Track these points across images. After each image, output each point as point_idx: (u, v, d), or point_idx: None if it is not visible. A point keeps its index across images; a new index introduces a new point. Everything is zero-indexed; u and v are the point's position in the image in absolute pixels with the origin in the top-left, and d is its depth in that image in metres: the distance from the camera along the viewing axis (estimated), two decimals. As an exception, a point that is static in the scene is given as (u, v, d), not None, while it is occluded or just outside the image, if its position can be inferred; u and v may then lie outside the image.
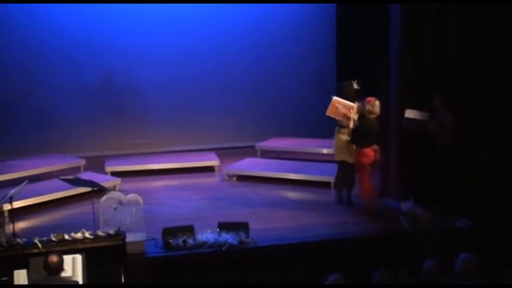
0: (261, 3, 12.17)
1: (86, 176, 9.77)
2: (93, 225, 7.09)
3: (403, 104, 8.66)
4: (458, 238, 7.54)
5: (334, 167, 9.42)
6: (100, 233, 6.82)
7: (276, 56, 12.62)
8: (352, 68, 11.01)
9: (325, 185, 9.86)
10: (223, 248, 7.34)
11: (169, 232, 7.45)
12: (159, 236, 7.49)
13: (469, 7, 8.50)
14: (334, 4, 12.32)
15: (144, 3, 11.80)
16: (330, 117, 8.92)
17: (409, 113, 8.53)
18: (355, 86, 8.87)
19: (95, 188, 7.94)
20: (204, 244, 7.40)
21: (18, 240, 6.63)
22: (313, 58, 12.75)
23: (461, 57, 8.60)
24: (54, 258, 5.74)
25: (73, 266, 6.26)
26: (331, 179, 9.77)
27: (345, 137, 8.80)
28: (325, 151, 11.11)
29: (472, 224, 7.87)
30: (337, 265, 6.48)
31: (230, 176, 10.65)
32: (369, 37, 10.60)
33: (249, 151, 11.83)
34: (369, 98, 8.52)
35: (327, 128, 9.22)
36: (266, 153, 11.78)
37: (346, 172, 8.99)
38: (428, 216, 7.98)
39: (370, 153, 8.64)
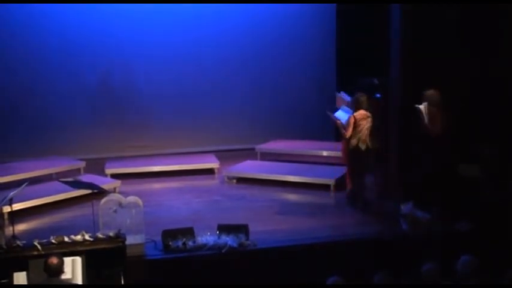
0: (260, 4, 12.16)
1: (86, 178, 9.76)
2: (93, 228, 7.06)
3: (403, 104, 8.66)
4: (458, 240, 7.53)
5: (334, 169, 9.41)
6: (100, 235, 6.80)
7: (276, 57, 12.60)
8: (352, 68, 11.00)
9: (324, 187, 9.84)
10: (223, 251, 7.32)
11: (169, 234, 7.43)
12: (158, 238, 7.48)
13: (468, 7, 8.51)
14: (334, 4, 12.31)
15: (145, 3, 11.80)
16: (329, 119, 8.99)
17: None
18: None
19: (95, 190, 7.95)
20: (203, 246, 7.38)
21: (18, 242, 6.61)
22: (313, 59, 12.72)
23: (461, 57, 8.60)
24: (54, 260, 5.73)
25: (73, 268, 6.24)
26: (330, 181, 9.78)
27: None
28: (325, 153, 11.10)
29: (472, 226, 7.86)
30: (337, 267, 6.49)
31: (230, 178, 10.63)
32: (369, 37, 10.61)
33: (249, 153, 11.79)
34: None
35: (327, 130, 9.23)
36: (266, 156, 11.76)
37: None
38: (428, 218, 7.97)
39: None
